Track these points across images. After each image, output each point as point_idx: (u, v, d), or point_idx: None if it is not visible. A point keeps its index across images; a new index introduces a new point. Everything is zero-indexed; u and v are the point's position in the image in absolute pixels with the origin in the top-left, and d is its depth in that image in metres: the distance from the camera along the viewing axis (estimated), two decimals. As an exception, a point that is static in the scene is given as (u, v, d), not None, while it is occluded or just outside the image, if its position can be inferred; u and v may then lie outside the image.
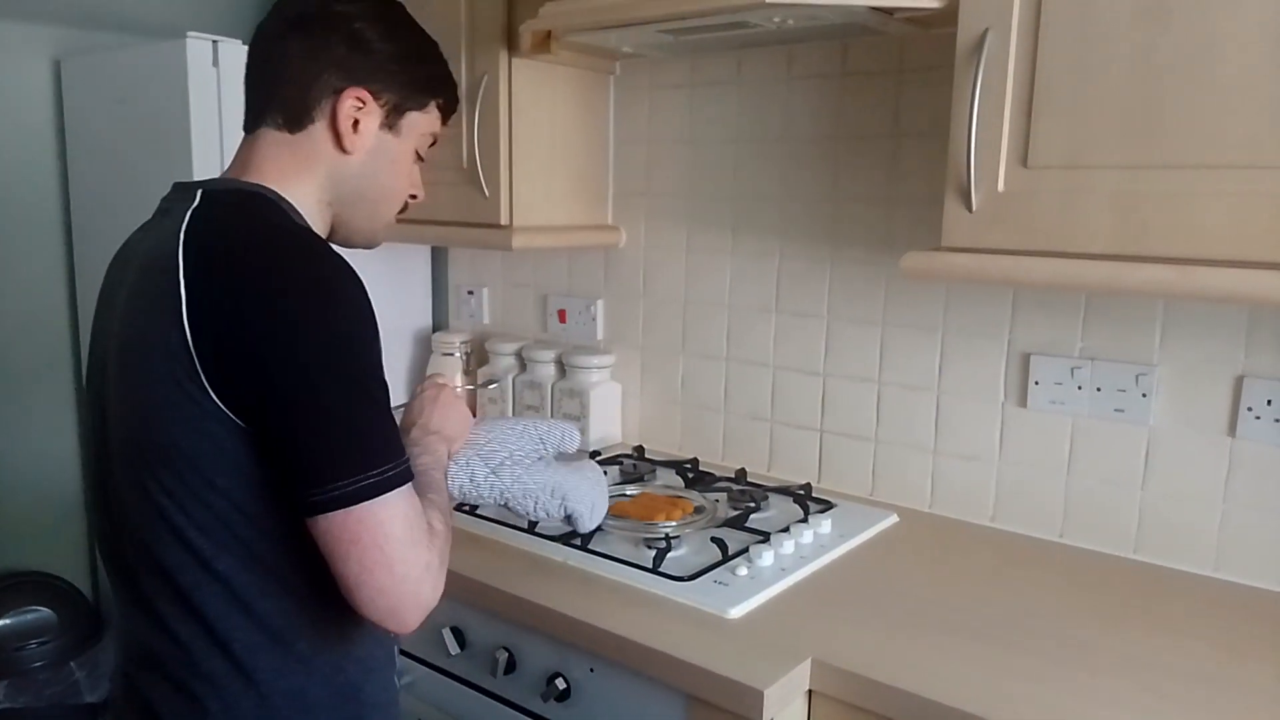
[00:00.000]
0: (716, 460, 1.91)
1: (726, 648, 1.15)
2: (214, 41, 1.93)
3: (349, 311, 0.86)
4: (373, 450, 0.83)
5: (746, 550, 1.40)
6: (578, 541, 1.44)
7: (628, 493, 1.61)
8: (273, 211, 0.94)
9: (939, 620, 1.24)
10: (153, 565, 0.90)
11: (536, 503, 1.14)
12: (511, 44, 1.70)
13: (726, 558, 1.38)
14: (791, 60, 1.72)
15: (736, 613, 1.24)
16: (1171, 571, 1.41)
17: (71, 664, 2.08)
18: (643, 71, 1.92)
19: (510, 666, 1.33)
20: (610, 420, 2.04)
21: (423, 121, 1.05)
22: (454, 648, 1.38)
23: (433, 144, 1.09)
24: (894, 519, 1.60)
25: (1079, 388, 1.48)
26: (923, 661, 1.12)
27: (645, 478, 1.76)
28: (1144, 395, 1.42)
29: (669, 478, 1.76)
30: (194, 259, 0.86)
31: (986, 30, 1.19)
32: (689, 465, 1.82)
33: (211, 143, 1.95)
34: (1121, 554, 1.47)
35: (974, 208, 1.22)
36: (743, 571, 1.34)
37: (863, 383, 1.71)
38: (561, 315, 2.13)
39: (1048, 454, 1.53)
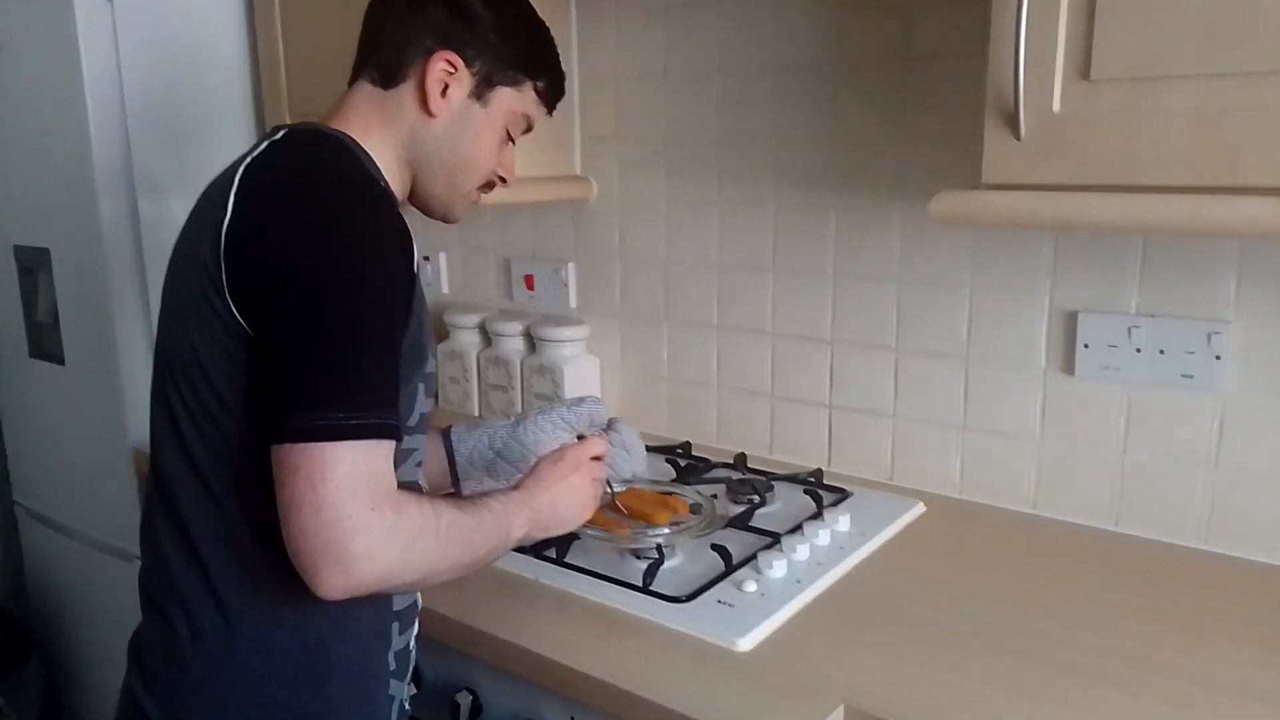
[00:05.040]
0: (710, 443, 1.68)
1: (737, 692, 0.94)
2: (106, -26, 1.65)
3: (375, 254, 0.84)
4: (346, 394, 0.79)
5: (754, 558, 1.18)
6: (552, 553, 1.21)
7: (610, 489, 1.38)
8: (342, 153, 0.92)
9: (992, 640, 1.02)
10: (160, 478, 0.92)
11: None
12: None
13: (730, 569, 1.16)
14: (784, -26, 1.47)
15: (746, 644, 1.02)
16: (1250, 564, 1.20)
17: (-11, 694, 1.86)
18: (610, -5, 1.66)
19: (475, 711, 1.11)
20: (587, 399, 1.81)
21: (514, 99, 1.02)
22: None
23: (527, 129, 1.07)
24: (920, 508, 1.38)
25: (1137, 350, 1.25)
26: (978, 699, 0.91)
27: (629, 467, 1.53)
28: (1217, 357, 1.20)
29: (658, 466, 1.53)
30: (249, 181, 0.86)
31: (1034, -86, 0.94)
32: (679, 450, 1.59)
33: (110, 91, 1.67)
34: (1190, 544, 1.25)
35: (1022, 134, 0.99)
36: (751, 587, 1.11)
37: (877, 350, 1.48)
38: (528, 282, 1.89)
39: (1099, 428, 1.30)
